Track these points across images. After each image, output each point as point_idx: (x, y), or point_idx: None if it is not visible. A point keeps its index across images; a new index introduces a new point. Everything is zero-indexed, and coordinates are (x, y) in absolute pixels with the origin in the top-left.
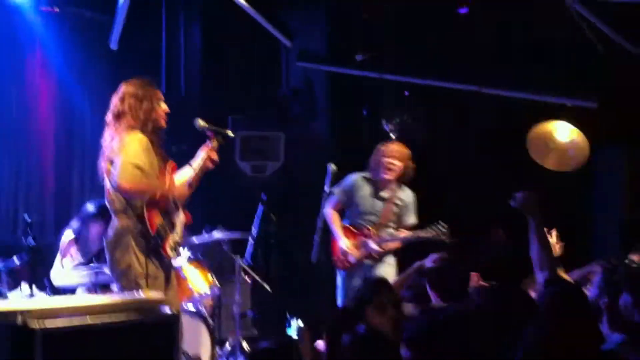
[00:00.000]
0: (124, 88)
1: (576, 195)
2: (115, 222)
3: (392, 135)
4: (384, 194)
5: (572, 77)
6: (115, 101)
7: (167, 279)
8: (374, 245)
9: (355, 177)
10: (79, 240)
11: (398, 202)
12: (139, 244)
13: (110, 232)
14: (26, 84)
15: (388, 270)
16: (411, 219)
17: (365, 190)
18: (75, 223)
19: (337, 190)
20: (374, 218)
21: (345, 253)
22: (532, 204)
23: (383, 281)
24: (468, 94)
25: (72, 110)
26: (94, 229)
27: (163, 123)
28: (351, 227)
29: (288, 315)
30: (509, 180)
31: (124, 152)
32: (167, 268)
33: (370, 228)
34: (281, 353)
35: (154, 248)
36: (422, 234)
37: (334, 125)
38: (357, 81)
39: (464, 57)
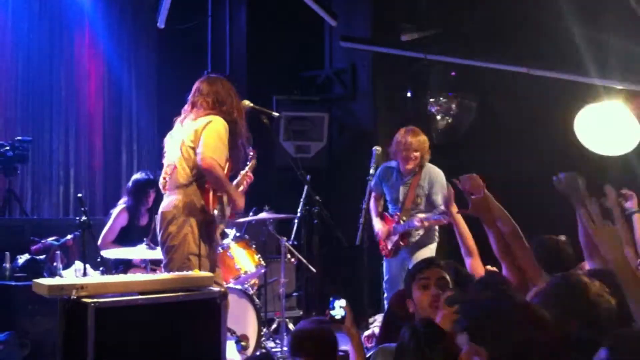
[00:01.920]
0: (223, 82)
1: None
2: (176, 197)
3: (438, 117)
4: (408, 179)
5: (625, 60)
6: (209, 89)
7: (214, 263)
8: (399, 230)
9: (382, 167)
10: (129, 209)
11: (423, 184)
12: (197, 222)
13: (169, 205)
14: (75, 64)
15: (427, 253)
16: (440, 197)
17: (391, 178)
18: (126, 194)
19: (372, 167)
20: (401, 205)
21: (384, 239)
22: (575, 187)
23: (429, 260)
24: (516, 75)
25: (119, 89)
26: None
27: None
28: (387, 215)
29: (331, 297)
30: (562, 163)
31: (214, 129)
32: (214, 252)
33: (398, 214)
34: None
35: (208, 228)
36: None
37: (378, 106)
38: (401, 62)
39: (511, 37)
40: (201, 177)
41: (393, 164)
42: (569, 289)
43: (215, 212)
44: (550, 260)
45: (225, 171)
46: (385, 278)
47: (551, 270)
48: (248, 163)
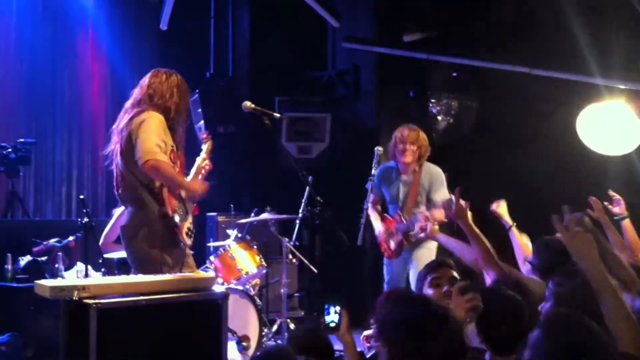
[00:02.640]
0: (151, 77)
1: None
2: (131, 211)
3: (439, 118)
4: (406, 177)
5: (628, 60)
6: (138, 89)
7: (186, 265)
8: (403, 228)
9: (381, 168)
10: None
11: (423, 182)
12: (155, 235)
13: (126, 220)
14: (78, 65)
15: (426, 253)
16: (440, 195)
17: (390, 178)
18: None
19: (370, 184)
20: (401, 204)
21: (386, 240)
22: (586, 244)
23: (440, 260)
24: (518, 75)
25: (122, 90)
26: None
27: (184, 115)
28: (387, 217)
29: (326, 304)
30: (564, 164)
31: (145, 129)
32: (182, 256)
33: (400, 213)
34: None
35: (171, 232)
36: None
37: (380, 107)
38: (404, 62)
39: (513, 37)
40: (149, 183)
41: (392, 164)
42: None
43: (176, 216)
44: (556, 260)
45: (179, 163)
46: (387, 279)
47: (553, 271)
48: (203, 147)
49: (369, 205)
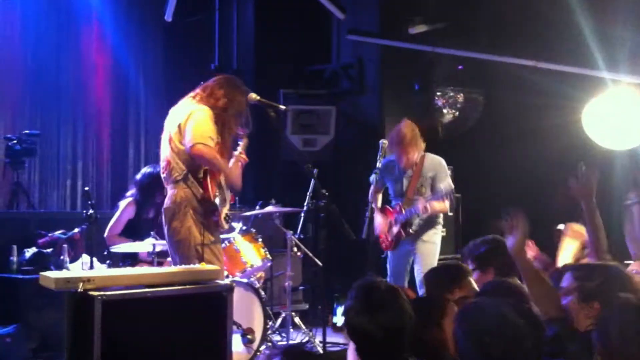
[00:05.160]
0: (221, 80)
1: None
2: (174, 192)
3: (445, 111)
4: (408, 171)
5: (633, 53)
6: (199, 88)
7: (220, 251)
8: (401, 219)
9: (385, 161)
10: (137, 202)
11: (425, 173)
12: (197, 214)
13: (168, 201)
14: (82, 56)
15: (432, 249)
16: (445, 184)
17: (393, 172)
18: (133, 189)
19: (374, 175)
20: (403, 197)
21: (385, 232)
22: (590, 186)
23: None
24: (524, 68)
25: (126, 82)
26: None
27: (237, 124)
28: (388, 208)
29: (335, 303)
30: (571, 158)
31: (196, 118)
32: (219, 240)
33: (400, 204)
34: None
35: (212, 215)
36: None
37: (384, 100)
38: (408, 55)
39: (519, 30)
40: (195, 168)
41: (394, 157)
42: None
43: (217, 199)
44: None
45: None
46: (390, 272)
47: None
48: (239, 143)
49: (372, 192)
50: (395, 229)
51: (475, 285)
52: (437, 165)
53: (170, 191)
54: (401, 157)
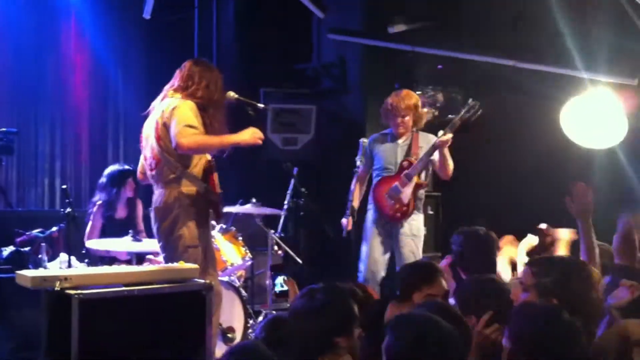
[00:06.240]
0: (191, 65)
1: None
2: (166, 191)
3: (425, 110)
4: (403, 141)
5: (612, 53)
6: (178, 75)
7: (211, 250)
8: (404, 178)
9: (373, 136)
10: (104, 205)
11: (421, 145)
12: (191, 212)
13: (159, 200)
14: (61, 54)
15: (413, 243)
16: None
17: (384, 143)
18: (97, 194)
19: (358, 159)
20: (397, 167)
21: (394, 201)
22: (588, 206)
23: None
24: (503, 68)
25: (106, 80)
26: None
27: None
28: (386, 176)
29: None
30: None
31: (177, 114)
32: (208, 239)
33: (408, 160)
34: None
35: (215, 209)
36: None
37: (366, 99)
38: (390, 54)
39: (499, 30)
40: (190, 164)
41: (387, 131)
42: None
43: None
44: None
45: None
46: (363, 257)
47: None
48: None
49: (354, 180)
50: (408, 190)
51: (445, 285)
52: (430, 141)
53: (160, 190)
54: (399, 127)
